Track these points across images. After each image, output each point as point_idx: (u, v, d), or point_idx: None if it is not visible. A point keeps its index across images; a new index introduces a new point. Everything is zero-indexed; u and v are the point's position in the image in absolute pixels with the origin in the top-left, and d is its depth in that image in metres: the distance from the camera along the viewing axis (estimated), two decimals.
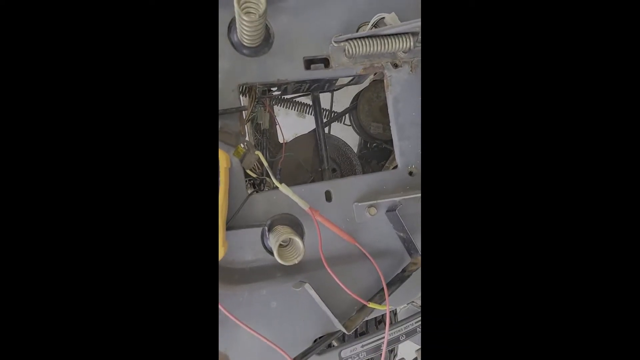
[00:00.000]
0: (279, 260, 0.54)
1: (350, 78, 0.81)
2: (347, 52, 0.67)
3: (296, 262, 0.55)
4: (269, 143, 1.01)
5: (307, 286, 0.59)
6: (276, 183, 0.62)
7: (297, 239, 0.55)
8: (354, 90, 1.08)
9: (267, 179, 0.72)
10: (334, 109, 1.22)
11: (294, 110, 1.22)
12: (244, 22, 0.55)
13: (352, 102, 1.08)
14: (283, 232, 0.57)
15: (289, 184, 0.90)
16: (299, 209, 0.65)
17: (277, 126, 0.99)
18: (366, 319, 0.65)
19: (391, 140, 0.71)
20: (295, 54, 0.67)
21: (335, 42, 0.67)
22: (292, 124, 1.42)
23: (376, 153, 1.12)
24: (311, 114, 1.17)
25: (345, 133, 1.21)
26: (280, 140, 1.10)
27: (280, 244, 0.56)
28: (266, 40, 0.65)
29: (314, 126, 1.05)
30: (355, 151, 1.14)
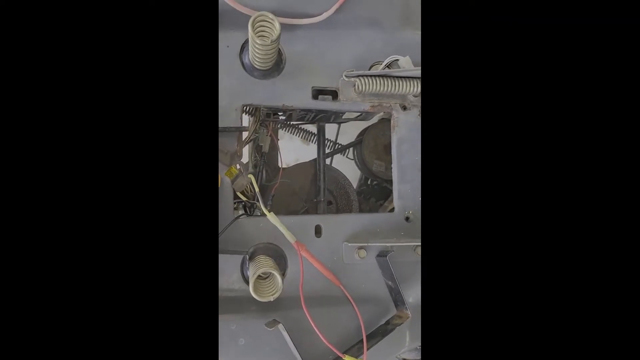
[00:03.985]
0: (253, 295, 0.50)
1: (357, 114, 0.80)
2: (356, 87, 0.66)
3: (271, 300, 0.50)
4: (268, 166, 0.99)
5: (280, 327, 0.55)
6: (264, 211, 0.59)
7: (277, 275, 0.51)
8: (362, 123, 1.07)
9: (258, 203, 0.69)
10: (339, 140, 1.21)
11: (298, 136, 1.21)
12: (257, 46, 0.55)
13: (357, 137, 1.07)
14: (264, 264, 0.53)
15: (281, 211, 0.87)
16: (285, 240, 0.61)
17: (285, 154, 0.97)
18: None
19: (392, 180, 0.69)
20: (305, 82, 0.66)
21: (346, 76, 0.66)
22: (295, 148, 1.40)
23: (376, 191, 1.09)
24: (315, 143, 1.16)
25: (346, 166, 1.19)
26: (280, 164, 1.08)
27: (259, 276, 0.52)
28: (277, 64, 0.64)
29: (316, 154, 1.03)
30: (355, 186, 1.11)
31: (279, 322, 0.55)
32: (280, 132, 1.23)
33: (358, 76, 0.65)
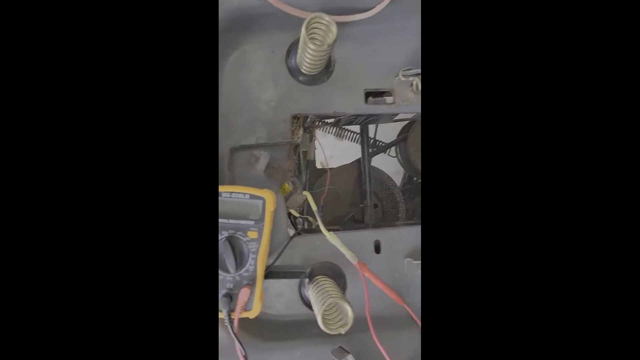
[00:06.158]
0: (323, 328, 0.46)
1: (412, 114, 0.73)
2: (414, 87, 0.60)
3: (342, 333, 0.47)
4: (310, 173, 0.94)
5: (350, 357, 0.51)
6: (325, 233, 0.55)
7: (347, 306, 0.47)
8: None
9: (310, 218, 0.65)
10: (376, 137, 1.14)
11: (332, 134, 1.15)
12: (309, 50, 0.49)
13: (400, 134, 1.00)
14: (329, 292, 0.49)
15: (327, 218, 0.82)
16: (343, 257, 0.57)
17: (320, 152, 0.93)
18: None
19: None
20: (356, 85, 0.60)
21: (403, 75, 0.59)
22: (328, 145, 1.34)
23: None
24: (350, 140, 1.11)
25: (386, 163, 1.13)
26: (319, 166, 1.03)
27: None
28: (326, 68, 0.58)
29: (351, 148, 0.98)
30: (398, 185, 1.06)
31: (349, 353, 0.52)
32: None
33: (417, 74, 0.59)
